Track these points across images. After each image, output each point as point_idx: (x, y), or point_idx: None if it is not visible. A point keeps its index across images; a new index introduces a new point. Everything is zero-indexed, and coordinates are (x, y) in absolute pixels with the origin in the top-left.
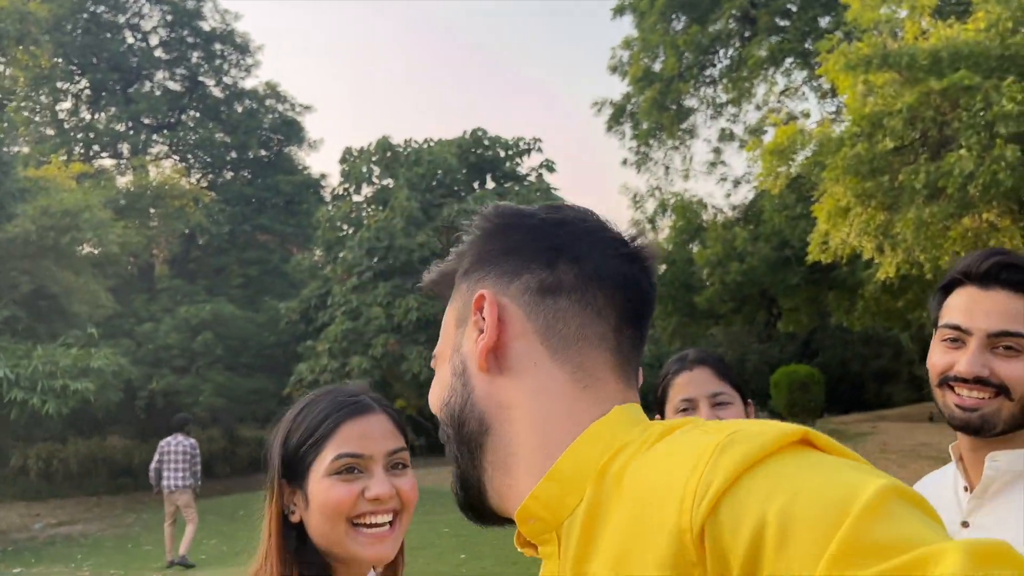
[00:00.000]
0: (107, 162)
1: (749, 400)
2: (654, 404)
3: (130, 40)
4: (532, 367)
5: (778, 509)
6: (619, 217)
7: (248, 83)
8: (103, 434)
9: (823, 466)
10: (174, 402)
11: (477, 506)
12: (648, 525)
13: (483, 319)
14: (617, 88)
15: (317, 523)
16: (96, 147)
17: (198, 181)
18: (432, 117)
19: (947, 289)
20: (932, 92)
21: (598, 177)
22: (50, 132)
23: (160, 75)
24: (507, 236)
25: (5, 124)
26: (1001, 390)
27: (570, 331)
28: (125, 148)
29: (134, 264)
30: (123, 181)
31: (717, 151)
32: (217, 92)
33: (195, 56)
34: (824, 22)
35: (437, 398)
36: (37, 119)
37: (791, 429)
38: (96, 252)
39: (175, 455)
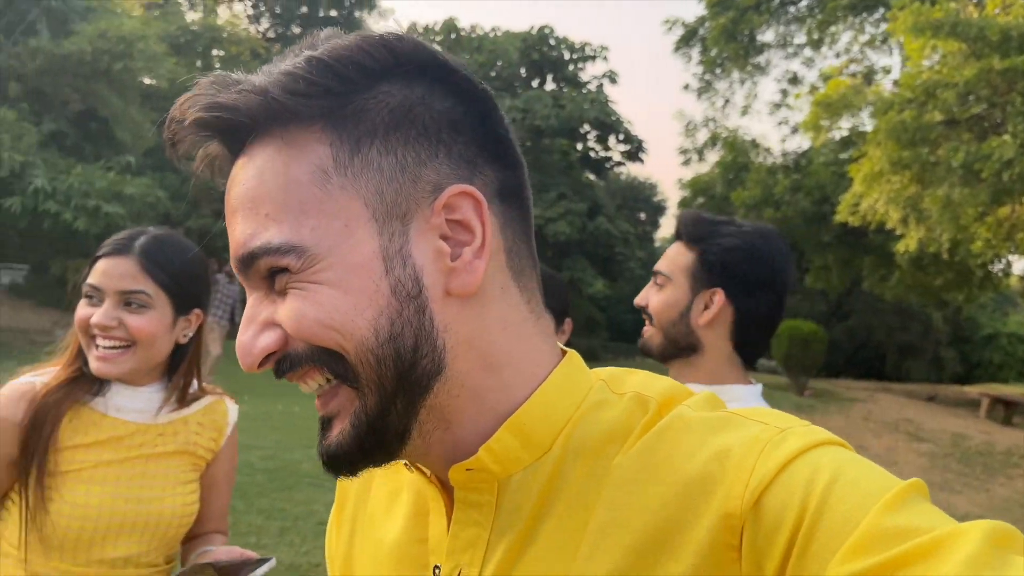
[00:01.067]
0: None
1: (568, 320)
2: None
3: None
4: (499, 292)
5: (817, 495)
6: (668, 142)
7: None
8: None
9: (861, 462)
10: (209, 243)
11: (370, 454)
12: (693, 507)
13: (465, 228)
14: (692, 9)
15: (79, 335)
16: None
17: (264, 32)
18: (502, 6)
19: None
20: (993, 70)
21: (656, 97)
22: None
23: None
24: (443, 99)
25: None
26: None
27: (521, 249)
28: None
29: None
30: (191, 17)
31: (784, 92)
32: None
33: None
34: None
35: (357, 328)
36: None
37: (832, 434)
38: (147, 83)
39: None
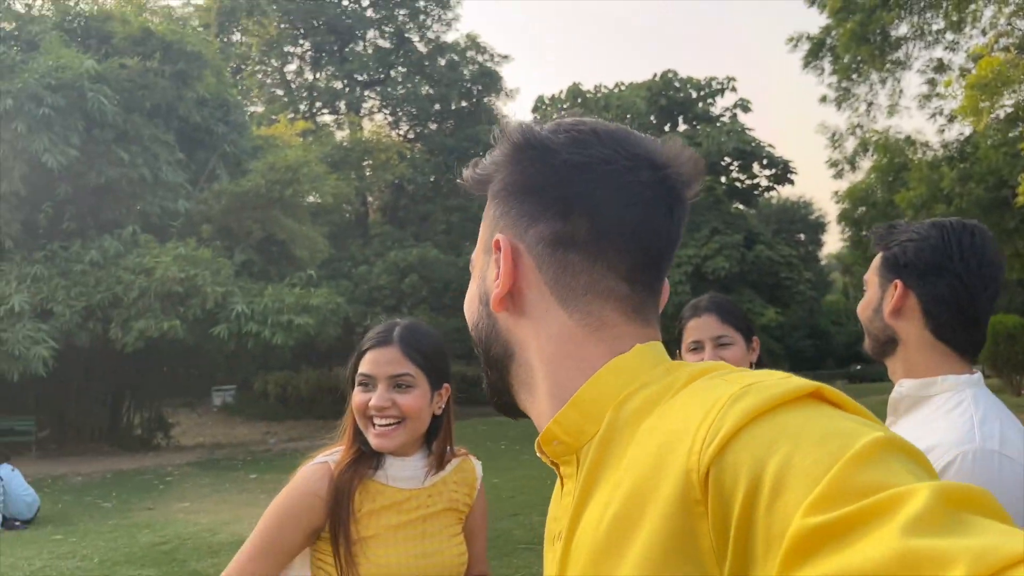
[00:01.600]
0: (327, 118)
1: (755, 338)
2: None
3: (345, 2)
4: (544, 313)
5: (778, 458)
6: (816, 157)
7: (449, 36)
8: (329, 365)
9: (827, 419)
10: None
11: (509, 408)
12: (663, 466)
13: (500, 261)
14: (815, 21)
15: (355, 418)
16: (318, 104)
17: (405, 134)
18: (623, 62)
19: None
20: None
21: (794, 116)
22: (279, 92)
23: (371, 34)
24: (528, 170)
25: (240, 88)
26: None
27: (578, 284)
28: (342, 105)
29: (350, 212)
30: (340, 136)
31: (932, 82)
32: (421, 47)
33: (401, 14)
34: None
35: (469, 314)
36: (268, 81)
37: (804, 383)
38: (314, 201)
39: None
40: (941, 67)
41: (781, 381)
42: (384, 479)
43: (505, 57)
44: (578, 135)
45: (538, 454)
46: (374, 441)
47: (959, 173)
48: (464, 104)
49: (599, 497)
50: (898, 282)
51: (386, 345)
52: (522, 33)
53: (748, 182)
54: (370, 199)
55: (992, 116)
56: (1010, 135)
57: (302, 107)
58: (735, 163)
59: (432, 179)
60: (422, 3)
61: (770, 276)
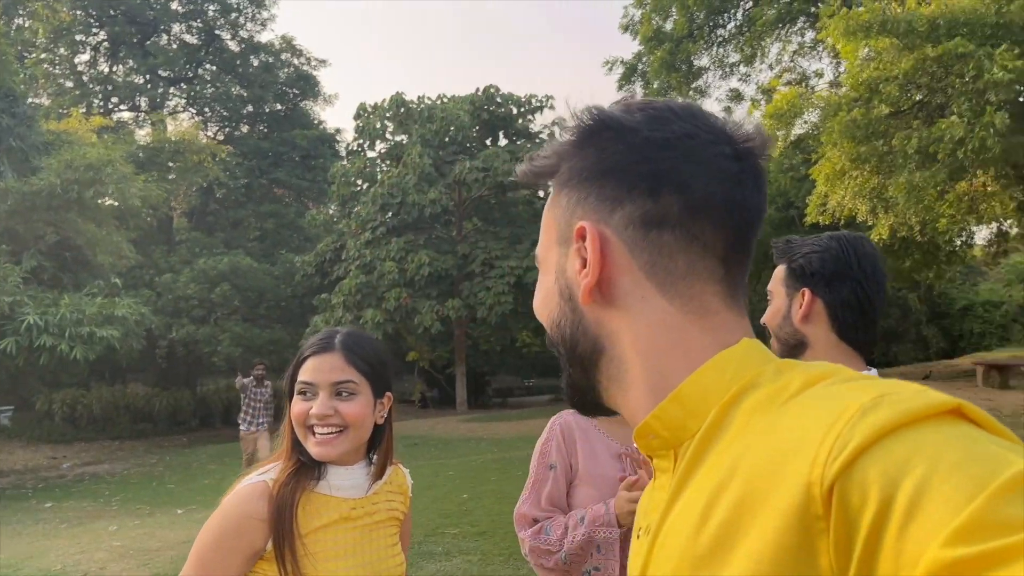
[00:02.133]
0: (126, 115)
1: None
2: None
3: None
4: (640, 301)
5: (914, 479)
6: None
7: (264, 37)
8: (124, 381)
9: (970, 440)
10: (193, 351)
11: (589, 406)
12: (779, 476)
13: (586, 249)
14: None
15: (294, 428)
16: (115, 100)
17: (215, 135)
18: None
19: None
20: (928, 59)
21: None
22: (69, 85)
23: (177, 28)
24: (605, 151)
25: (25, 76)
26: None
27: (677, 267)
28: (143, 101)
29: (153, 217)
30: (141, 134)
31: (728, 110)
32: (233, 46)
33: (211, 9)
34: None
35: (546, 313)
36: (56, 71)
37: (944, 398)
38: (117, 205)
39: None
40: (738, 96)
41: (918, 394)
42: (327, 489)
43: (323, 61)
44: (655, 112)
45: (634, 440)
46: (315, 450)
47: None
48: (279, 107)
49: (697, 497)
50: (806, 290)
51: (328, 352)
52: (342, 39)
53: None
54: (173, 204)
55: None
56: (793, 161)
57: (96, 102)
58: None
59: (244, 183)
60: (234, 0)
61: None
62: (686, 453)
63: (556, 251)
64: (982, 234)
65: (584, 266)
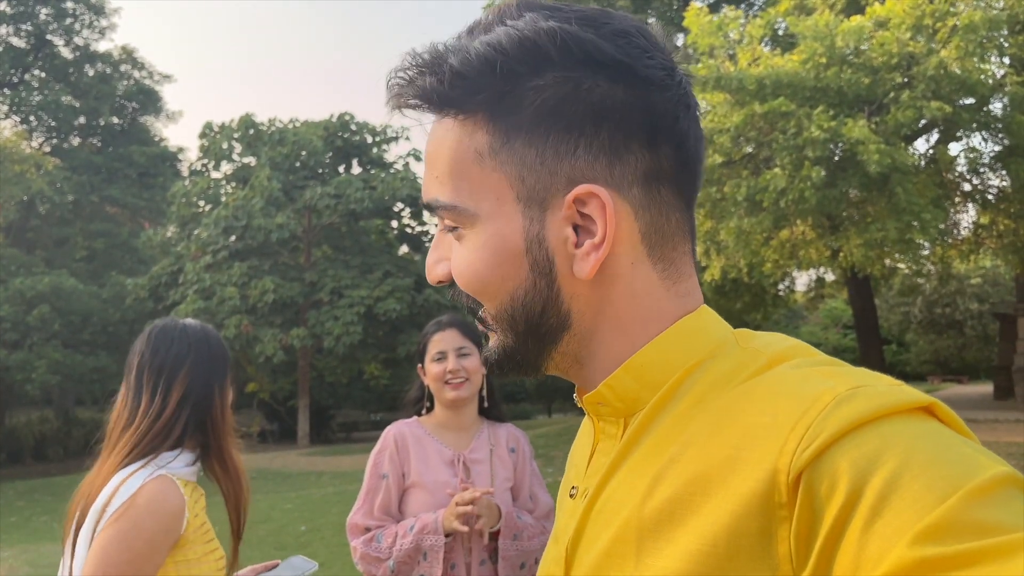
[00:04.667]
0: None
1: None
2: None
3: None
4: (628, 268)
5: (884, 474)
6: None
7: (101, 46)
8: None
9: (942, 439)
10: (4, 379)
11: (516, 372)
12: (741, 459)
13: (593, 221)
14: None
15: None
16: None
17: (40, 146)
18: (298, 98)
19: None
20: (756, 115)
21: None
22: None
23: (3, 30)
24: (593, 91)
25: None
26: None
27: (670, 226)
28: None
29: None
30: None
31: None
32: (66, 53)
33: (43, 12)
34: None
35: (492, 283)
36: None
37: (919, 395)
38: None
39: None
40: None
41: (893, 388)
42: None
43: (167, 76)
44: (636, 43)
45: (576, 400)
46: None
47: None
48: (116, 121)
49: (644, 467)
50: None
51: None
52: (188, 55)
53: (419, 228)
54: None
55: None
56: None
57: None
58: (407, 209)
59: (72, 199)
60: (70, 4)
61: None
62: (635, 421)
63: (512, 211)
64: (802, 280)
65: (581, 235)
